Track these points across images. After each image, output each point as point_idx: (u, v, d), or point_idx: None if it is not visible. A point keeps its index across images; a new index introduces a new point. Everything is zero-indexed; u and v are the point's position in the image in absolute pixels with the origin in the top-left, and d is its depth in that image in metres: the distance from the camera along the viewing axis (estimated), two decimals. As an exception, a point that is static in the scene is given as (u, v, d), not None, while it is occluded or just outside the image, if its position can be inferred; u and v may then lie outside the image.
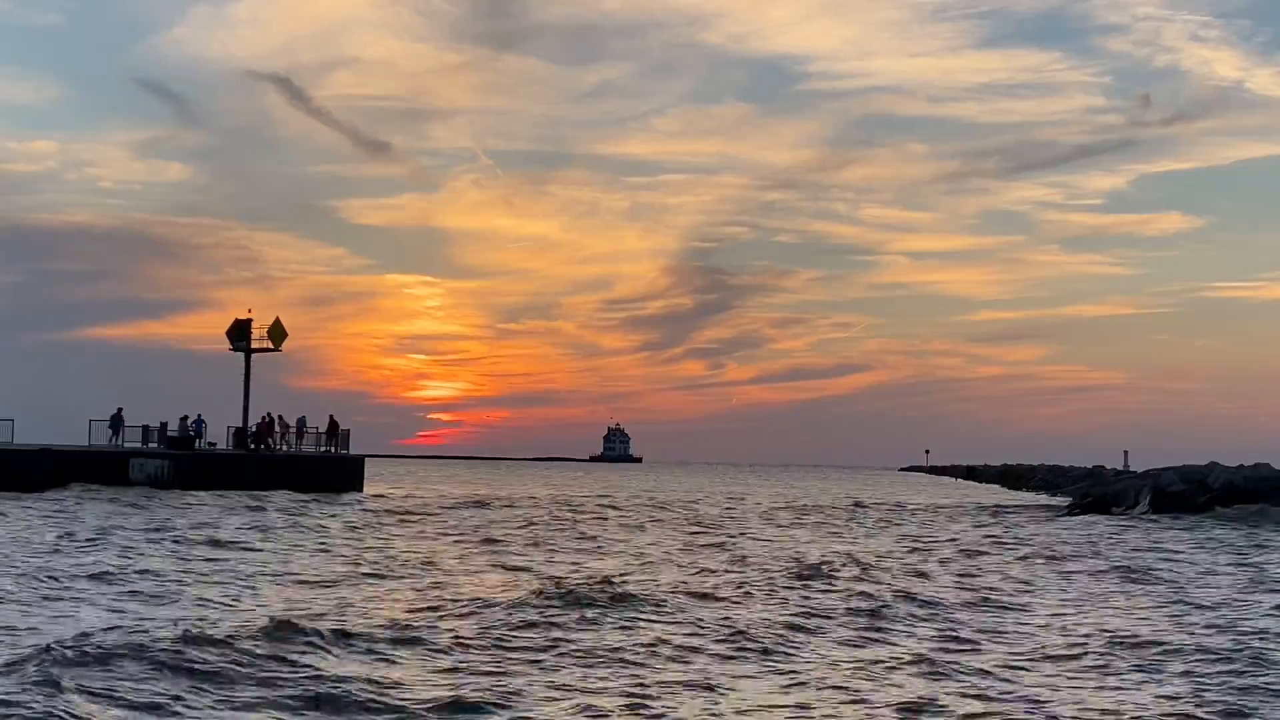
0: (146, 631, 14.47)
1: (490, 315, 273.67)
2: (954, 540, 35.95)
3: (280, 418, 61.61)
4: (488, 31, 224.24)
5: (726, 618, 17.46)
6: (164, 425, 57.70)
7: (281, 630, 14.62)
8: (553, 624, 16.41)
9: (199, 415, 58.91)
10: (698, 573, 24.32)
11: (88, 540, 27.72)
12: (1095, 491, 58.16)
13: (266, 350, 63.27)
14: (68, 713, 10.62)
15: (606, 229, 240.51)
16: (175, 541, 28.44)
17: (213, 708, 11.42)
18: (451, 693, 12.20)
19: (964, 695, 12.77)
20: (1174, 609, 19.79)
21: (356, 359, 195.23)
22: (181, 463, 53.54)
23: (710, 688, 12.85)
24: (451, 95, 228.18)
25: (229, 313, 76.46)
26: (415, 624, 16.14)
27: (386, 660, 13.88)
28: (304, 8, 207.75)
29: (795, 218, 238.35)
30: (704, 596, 19.98)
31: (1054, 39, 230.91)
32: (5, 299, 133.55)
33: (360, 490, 60.18)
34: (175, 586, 20.24)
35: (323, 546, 29.20)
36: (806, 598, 20.19)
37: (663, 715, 11.67)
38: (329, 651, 14.03)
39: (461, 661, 14.00)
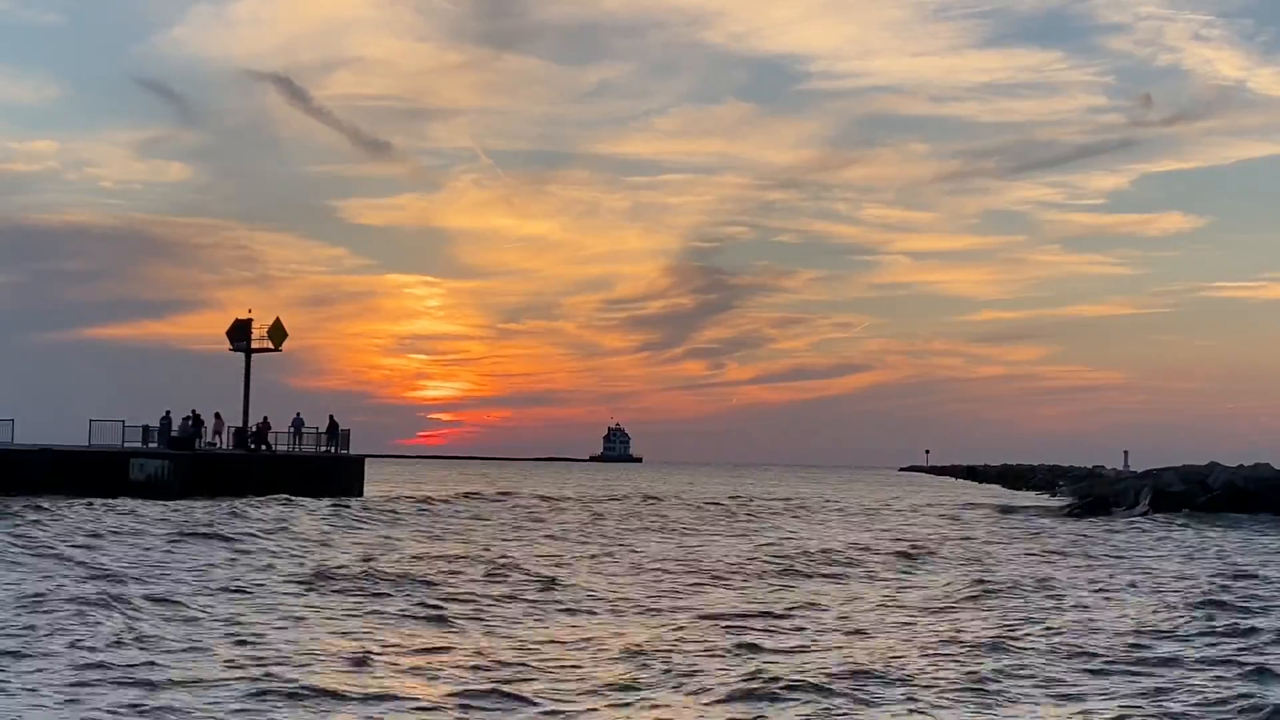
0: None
1: (490, 315, 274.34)
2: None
3: (217, 416, 61.03)
4: (488, 31, 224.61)
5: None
6: (163, 425, 57.54)
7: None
8: None
9: (194, 413, 58.38)
10: None
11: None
12: (1095, 491, 58.18)
13: (266, 350, 63.19)
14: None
15: (607, 229, 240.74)
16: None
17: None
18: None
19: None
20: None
21: (356, 359, 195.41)
22: (182, 463, 53.51)
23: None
24: (452, 95, 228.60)
25: (229, 313, 76.49)
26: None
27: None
28: (304, 7, 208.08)
29: (796, 218, 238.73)
30: None
31: (1055, 38, 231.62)
32: (5, 299, 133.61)
33: (361, 491, 60.06)
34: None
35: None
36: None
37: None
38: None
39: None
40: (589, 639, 16.38)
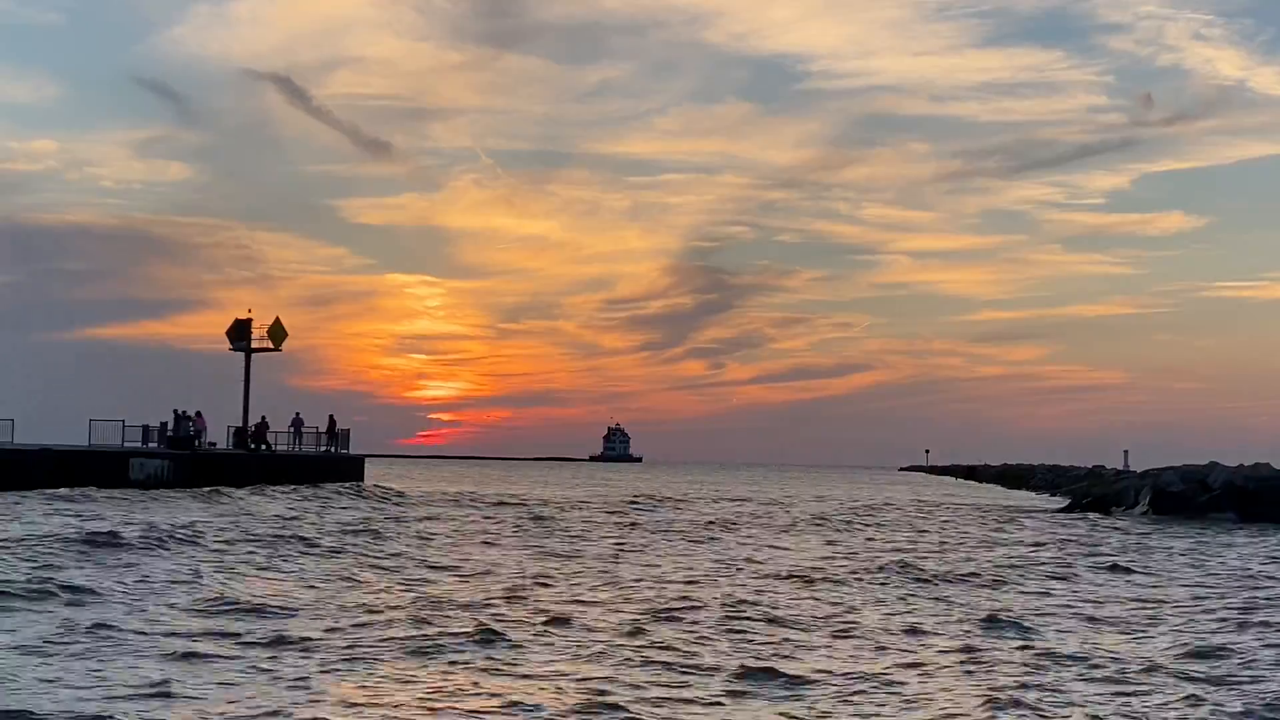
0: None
1: (491, 315, 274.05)
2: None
3: (199, 415, 60.69)
4: (488, 31, 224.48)
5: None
6: (164, 425, 57.66)
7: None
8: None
9: (185, 413, 58.25)
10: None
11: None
12: (1095, 491, 58.23)
13: (266, 350, 63.35)
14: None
15: (607, 229, 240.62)
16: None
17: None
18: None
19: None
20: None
21: (357, 359, 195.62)
22: (181, 462, 53.59)
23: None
24: (452, 95, 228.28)
25: (229, 313, 76.58)
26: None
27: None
28: (304, 7, 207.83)
29: (796, 217, 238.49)
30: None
31: (1056, 38, 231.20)
32: (5, 299, 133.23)
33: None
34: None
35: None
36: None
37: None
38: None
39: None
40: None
